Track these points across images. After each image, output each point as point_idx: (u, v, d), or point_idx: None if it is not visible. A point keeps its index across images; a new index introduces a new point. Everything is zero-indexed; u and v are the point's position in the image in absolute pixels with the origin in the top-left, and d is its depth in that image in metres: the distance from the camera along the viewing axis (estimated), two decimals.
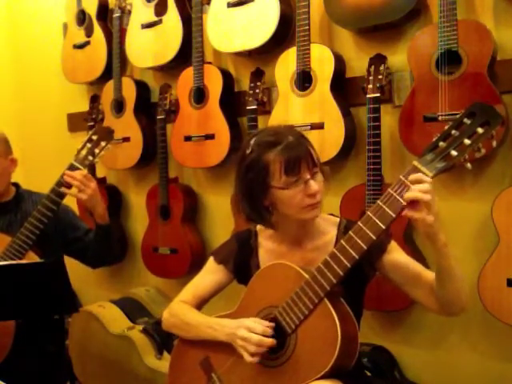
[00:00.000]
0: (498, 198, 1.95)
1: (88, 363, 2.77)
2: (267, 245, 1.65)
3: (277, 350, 1.46)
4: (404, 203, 1.29)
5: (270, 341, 1.43)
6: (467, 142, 1.26)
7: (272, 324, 1.46)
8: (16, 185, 2.23)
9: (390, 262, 1.52)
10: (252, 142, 1.51)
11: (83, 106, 3.26)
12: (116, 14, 2.96)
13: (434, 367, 2.25)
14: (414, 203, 1.28)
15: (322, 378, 1.36)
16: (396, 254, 1.53)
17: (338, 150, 2.21)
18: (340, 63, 2.28)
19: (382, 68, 2.10)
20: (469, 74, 1.94)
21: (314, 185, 1.46)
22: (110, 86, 3.01)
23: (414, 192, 1.27)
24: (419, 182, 1.27)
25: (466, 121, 1.28)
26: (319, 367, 1.36)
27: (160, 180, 2.80)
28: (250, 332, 1.45)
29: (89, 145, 2.04)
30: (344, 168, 2.38)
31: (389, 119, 2.24)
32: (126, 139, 2.94)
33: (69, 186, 2.00)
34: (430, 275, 1.46)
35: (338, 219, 1.62)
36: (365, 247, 1.35)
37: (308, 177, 1.46)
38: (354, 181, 2.32)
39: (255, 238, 1.67)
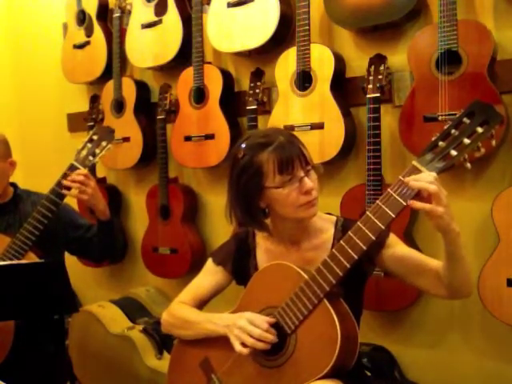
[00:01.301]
0: (497, 197, 1.95)
1: (88, 363, 2.77)
2: (265, 245, 1.65)
3: (276, 351, 1.46)
4: (404, 203, 1.29)
5: (271, 336, 1.43)
6: (467, 141, 1.26)
7: (273, 320, 1.45)
8: (14, 185, 2.22)
9: (390, 256, 1.52)
10: (243, 146, 1.51)
11: (83, 105, 3.26)
12: (116, 14, 2.96)
13: (434, 367, 2.25)
14: (421, 196, 1.28)
15: (323, 378, 1.36)
16: (396, 247, 1.53)
17: (338, 150, 2.21)
18: (340, 63, 2.28)
19: (382, 68, 2.10)
20: (469, 74, 1.94)
21: (309, 182, 1.46)
22: (110, 86, 3.01)
23: (420, 182, 1.27)
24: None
25: (466, 120, 1.28)
26: (319, 368, 1.36)
27: (160, 180, 2.80)
28: (250, 324, 1.45)
29: (89, 145, 2.04)
30: (344, 168, 2.38)
31: (389, 119, 2.24)
32: (126, 139, 2.94)
33: (68, 188, 2.00)
34: (433, 262, 1.46)
35: (334, 217, 1.62)
36: (364, 247, 1.35)
37: (302, 174, 1.46)
38: (354, 181, 2.32)
39: (253, 238, 1.67)
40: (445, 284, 1.45)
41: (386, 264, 1.53)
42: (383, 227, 1.32)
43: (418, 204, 1.28)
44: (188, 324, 1.64)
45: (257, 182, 1.47)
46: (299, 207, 1.48)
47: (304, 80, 2.29)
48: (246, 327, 1.45)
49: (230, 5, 2.49)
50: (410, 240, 2.14)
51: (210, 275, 1.71)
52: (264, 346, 1.43)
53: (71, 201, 2.38)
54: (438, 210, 1.27)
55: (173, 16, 2.71)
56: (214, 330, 1.56)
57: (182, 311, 1.67)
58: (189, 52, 2.65)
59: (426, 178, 1.27)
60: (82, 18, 3.12)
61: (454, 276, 1.41)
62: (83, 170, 2.00)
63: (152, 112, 2.88)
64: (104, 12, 3.09)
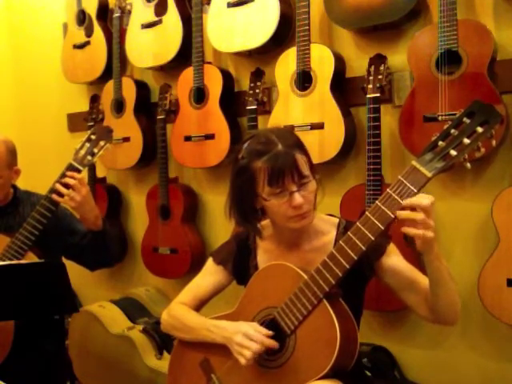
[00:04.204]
0: (497, 197, 1.94)
1: (88, 363, 2.77)
2: (265, 245, 1.64)
3: (276, 352, 1.45)
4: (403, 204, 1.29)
5: (270, 343, 1.43)
6: (466, 141, 1.26)
7: (270, 333, 1.44)
8: (14, 187, 2.21)
9: (387, 265, 1.51)
10: (245, 146, 1.49)
11: (83, 105, 3.26)
12: (116, 14, 2.96)
13: (434, 367, 2.24)
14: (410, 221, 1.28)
15: (322, 378, 1.36)
16: (394, 258, 1.52)
17: (338, 150, 2.21)
18: (340, 63, 2.28)
19: (382, 68, 2.10)
20: (469, 74, 1.94)
21: (298, 198, 1.42)
22: (110, 86, 3.01)
23: (405, 212, 1.28)
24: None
25: (466, 120, 1.27)
26: (319, 368, 1.36)
27: (160, 180, 2.80)
28: (247, 339, 1.44)
29: (87, 144, 2.03)
30: (344, 168, 2.38)
31: (389, 119, 2.24)
32: (126, 139, 2.94)
33: (60, 194, 1.97)
34: (425, 282, 1.44)
35: (337, 220, 1.61)
36: (363, 248, 1.34)
37: (294, 189, 1.42)
38: (354, 181, 2.32)
39: (253, 238, 1.66)
40: (429, 307, 1.44)
41: (383, 273, 1.52)
42: (382, 228, 1.31)
43: (409, 230, 1.28)
44: (187, 329, 1.63)
45: (250, 187, 1.46)
46: (288, 219, 1.47)
47: (304, 80, 2.29)
48: (244, 343, 1.44)
49: (229, 5, 2.49)
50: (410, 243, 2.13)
51: (210, 275, 1.71)
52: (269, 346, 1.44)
53: None
54: (429, 235, 1.28)
55: (173, 16, 2.71)
56: (211, 338, 1.56)
57: (181, 314, 1.67)
58: (189, 52, 2.65)
59: (419, 201, 1.27)
60: (82, 18, 3.13)
61: (436, 300, 1.41)
62: (78, 174, 1.98)
63: (152, 112, 2.88)
64: (104, 12, 3.09)
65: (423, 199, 1.26)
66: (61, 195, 1.96)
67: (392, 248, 1.53)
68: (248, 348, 1.43)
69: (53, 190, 1.98)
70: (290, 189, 1.42)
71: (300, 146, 1.48)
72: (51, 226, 2.02)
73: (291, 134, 1.52)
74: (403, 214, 1.28)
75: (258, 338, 1.43)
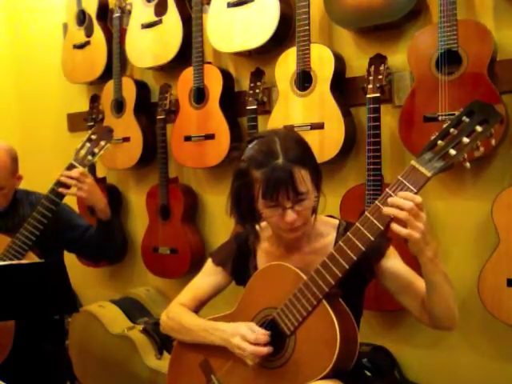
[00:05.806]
0: (498, 197, 1.94)
1: (88, 363, 2.77)
2: (265, 246, 1.63)
3: (276, 352, 1.45)
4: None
5: (265, 350, 1.42)
6: (466, 140, 1.25)
7: (268, 332, 1.44)
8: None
9: (387, 268, 1.50)
10: (248, 147, 1.47)
11: (83, 105, 3.26)
12: (116, 14, 2.96)
13: (434, 367, 2.24)
14: (399, 219, 1.27)
15: (322, 378, 1.35)
16: (393, 261, 1.51)
17: (338, 150, 2.21)
18: (340, 63, 2.28)
19: (382, 68, 2.10)
20: (469, 74, 1.94)
21: (291, 215, 1.41)
22: (109, 85, 3.01)
23: (390, 208, 1.27)
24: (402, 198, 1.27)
25: (465, 119, 1.27)
26: (319, 369, 1.36)
27: (160, 180, 2.80)
28: (244, 341, 1.44)
29: (88, 144, 2.05)
30: (344, 168, 2.38)
31: (389, 119, 2.24)
32: (126, 139, 2.94)
33: (67, 187, 2.00)
34: (423, 286, 1.42)
35: (337, 221, 1.60)
36: (363, 248, 1.34)
37: (287, 206, 1.41)
38: (354, 181, 2.32)
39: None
40: (427, 310, 1.44)
41: (382, 275, 1.51)
42: (382, 228, 1.31)
43: (397, 228, 1.27)
44: (186, 330, 1.63)
45: (248, 191, 1.45)
46: (280, 229, 1.48)
47: (304, 80, 2.29)
48: (243, 346, 1.44)
49: (229, 5, 2.49)
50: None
51: (209, 276, 1.70)
52: (264, 353, 1.43)
53: (71, 202, 2.38)
54: (415, 236, 1.26)
55: (173, 16, 2.71)
56: (210, 340, 1.55)
57: (179, 315, 1.66)
58: (189, 52, 2.65)
59: (399, 204, 1.26)
60: (82, 18, 3.13)
61: (431, 304, 1.40)
62: (79, 168, 2.00)
63: (152, 112, 2.88)
64: (104, 12, 3.09)
65: (405, 202, 1.25)
66: (67, 187, 1.98)
67: (392, 251, 1.52)
68: (245, 350, 1.43)
69: (54, 191, 1.99)
70: (284, 205, 1.41)
71: (304, 160, 1.43)
72: (52, 223, 2.03)
73: (297, 144, 1.46)
74: (388, 210, 1.28)
75: (252, 337, 1.43)
